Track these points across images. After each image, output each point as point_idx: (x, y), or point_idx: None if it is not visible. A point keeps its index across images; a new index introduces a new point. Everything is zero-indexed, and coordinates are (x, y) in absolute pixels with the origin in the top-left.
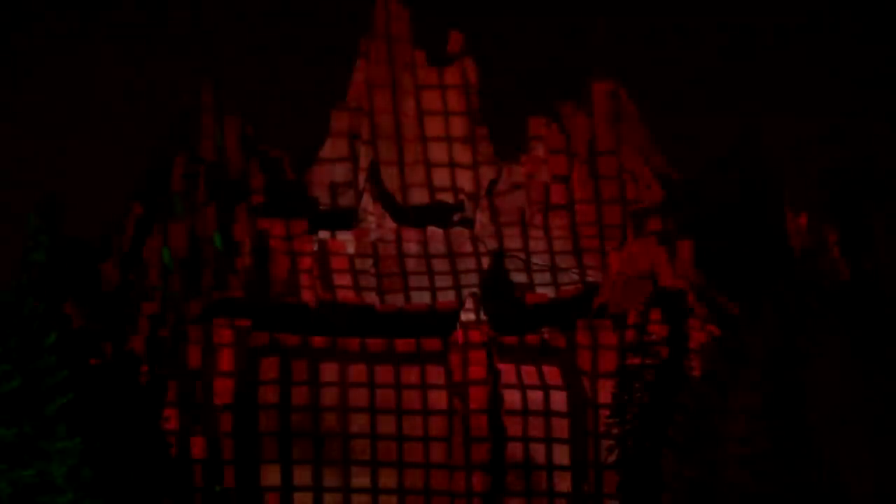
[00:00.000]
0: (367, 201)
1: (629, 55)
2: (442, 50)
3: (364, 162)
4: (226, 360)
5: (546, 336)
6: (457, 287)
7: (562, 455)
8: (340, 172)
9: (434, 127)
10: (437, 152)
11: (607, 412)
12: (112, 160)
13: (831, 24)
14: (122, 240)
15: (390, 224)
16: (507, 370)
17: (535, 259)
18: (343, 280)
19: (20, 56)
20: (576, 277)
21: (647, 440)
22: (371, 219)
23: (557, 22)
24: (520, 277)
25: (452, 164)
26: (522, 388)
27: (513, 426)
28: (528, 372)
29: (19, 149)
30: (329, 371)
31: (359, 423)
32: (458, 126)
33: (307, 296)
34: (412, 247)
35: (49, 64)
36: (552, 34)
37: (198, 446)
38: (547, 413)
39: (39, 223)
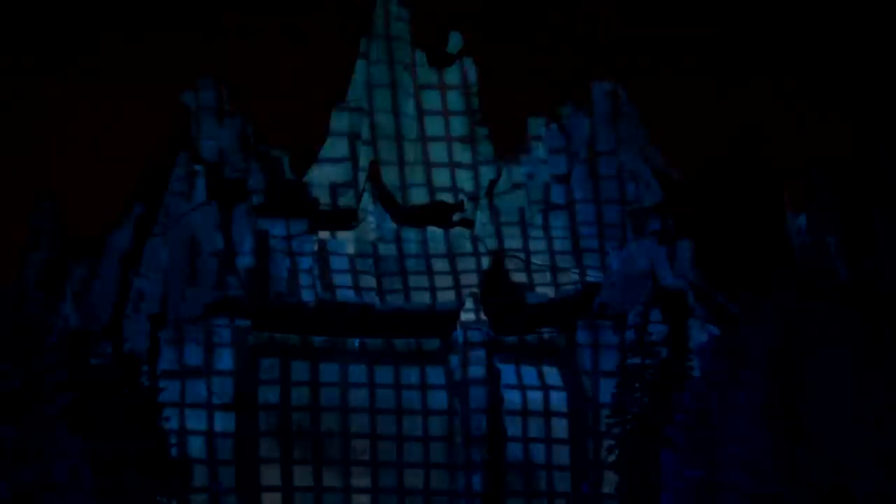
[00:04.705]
0: (367, 201)
1: (629, 55)
2: (442, 50)
3: (364, 162)
4: (226, 360)
5: (546, 336)
6: (457, 287)
7: (562, 455)
8: (340, 172)
9: (434, 127)
10: (437, 152)
11: (607, 412)
12: (112, 160)
13: (832, 24)
14: (122, 240)
15: (390, 224)
16: (507, 370)
17: (535, 259)
18: (343, 280)
19: (20, 55)
20: (576, 277)
21: (647, 440)
22: (371, 219)
23: (557, 22)
24: (520, 277)
25: (452, 164)
26: (522, 388)
27: (513, 426)
28: (528, 372)
29: (19, 149)
30: (329, 371)
31: (359, 423)
32: (458, 126)
33: (307, 296)
34: (412, 247)
35: (48, 63)
36: (552, 34)
37: (198, 446)
38: (547, 413)
39: (39, 223)
